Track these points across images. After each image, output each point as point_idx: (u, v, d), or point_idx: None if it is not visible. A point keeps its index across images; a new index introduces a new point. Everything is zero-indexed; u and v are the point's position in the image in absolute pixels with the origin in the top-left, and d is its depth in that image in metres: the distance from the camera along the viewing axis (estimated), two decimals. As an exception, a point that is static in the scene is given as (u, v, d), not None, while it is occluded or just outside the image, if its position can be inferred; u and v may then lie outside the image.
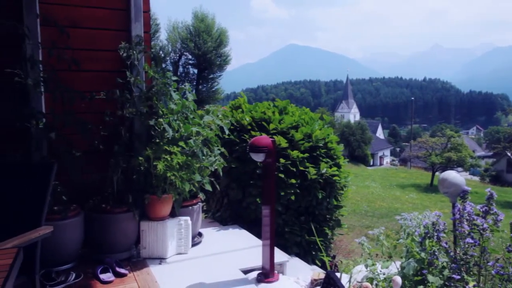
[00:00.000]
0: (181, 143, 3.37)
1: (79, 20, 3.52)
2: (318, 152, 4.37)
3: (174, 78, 3.62)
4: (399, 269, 2.83)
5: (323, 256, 4.05)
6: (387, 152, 57.07)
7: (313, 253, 4.35)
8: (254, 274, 3.15)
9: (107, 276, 3.03)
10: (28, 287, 2.27)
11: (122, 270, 3.11)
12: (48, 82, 3.22)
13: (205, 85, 20.69)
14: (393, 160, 55.53)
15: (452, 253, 2.61)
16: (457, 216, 2.69)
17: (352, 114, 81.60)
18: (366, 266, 2.93)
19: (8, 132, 3.18)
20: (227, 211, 4.54)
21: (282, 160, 4.13)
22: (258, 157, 2.98)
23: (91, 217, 3.31)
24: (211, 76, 20.90)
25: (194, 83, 20.29)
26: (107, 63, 3.62)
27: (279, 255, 3.52)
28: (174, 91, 3.54)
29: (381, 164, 51.29)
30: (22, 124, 3.09)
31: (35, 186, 2.33)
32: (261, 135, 4.01)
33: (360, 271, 3.10)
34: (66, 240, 3.11)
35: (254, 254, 3.41)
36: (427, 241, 2.72)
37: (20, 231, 2.12)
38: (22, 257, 1.71)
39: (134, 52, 3.53)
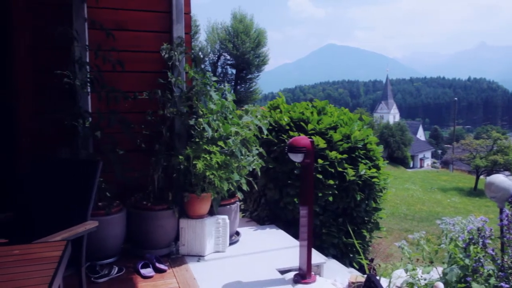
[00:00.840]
0: (220, 143, 3.41)
1: (123, 22, 3.64)
2: (357, 153, 4.31)
3: (214, 78, 3.68)
4: (441, 275, 2.75)
5: (361, 259, 4.00)
6: (428, 154, 55.40)
7: (351, 255, 4.29)
8: (291, 275, 3.14)
9: (148, 271, 3.12)
10: (75, 279, 2.37)
11: (162, 266, 3.19)
12: (94, 83, 3.36)
13: (243, 85, 20.88)
14: (434, 163, 53.78)
15: (499, 261, 2.51)
16: (505, 222, 2.58)
17: (391, 115, 79.75)
18: (406, 270, 2.87)
19: (58, 130, 3.33)
20: (264, 210, 4.56)
21: (320, 161, 4.10)
22: (297, 158, 2.97)
23: (133, 213, 3.42)
24: (249, 76, 21.06)
25: (232, 83, 20.51)
26: (150, 64, 3.73)
27: (316, 256, 3.50)
28: (214, 92, 3.59)
29: (421, 166, 49.84)
30: (70, 122, 3.24)
31: (82, 182, 2.42)
32: (299, 135, 3.99)
33: (399, 276, 3.03)
34: (109, 235, 3.22)
35: (291, 255, 3.40)
36: (471, 247, 2.62)
37: (68, 224, 2.22)
38: (71, 250, 1.78)
39: (176, 53, 3.61)
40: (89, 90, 3.40)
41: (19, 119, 3.44)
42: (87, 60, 3.44)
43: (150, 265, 3.20)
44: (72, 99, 3.36)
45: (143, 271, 3.12)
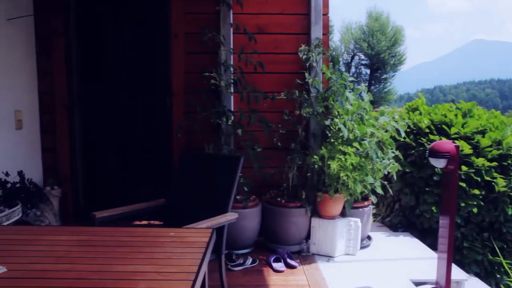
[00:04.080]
0: (355, 144, 3.37)
1: (265, 26, 3.83)
2: (509, 162, 3.84)
3: (351, 79, 3.65)
4: None
5: (510, 281, 3.57)
6: None
7: (498, 276, 3.85)
8: (426, 288, 2.96)
9: (279, 266, 3.23)
10: (215, 264, 2.58)
11: (293, 262, 3.27)
12: (237, 84, 3.60)
13: (377, 86, 20.17)
14: None
15: None
16: None
17: (553, 120, 68.82)
18: None
19: (204, 127, 3.66)
20: (398, 217, 4.36)
21: (464, 168, 3.76)
22: (438, 163, 2.78)
23: (267, 208, 3.57)
24: (384, 76, 20.24)
25: (366, 83, 19.96)
26: (288, 65, 3.85)
27: (456, 272, 3.23)
28: (350, 92, 3.56)
29: None
30: (215, 120, 3.53)
31: (225, 176, 2.62)
32: (441, 139, 3.72)
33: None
34: (245, 227, 3.43)
35: (426, 266, 3.20)
36: None
37: (211, 214, 2.42)
38: (215, 237, 1.95)
39: (313, 54, 3.67)
40: (232, 90, 3.66)
41: (174, 117, 3.87)
42: (231, 63, 3.70)
43: (282, 260, 3.31)
44: (217, 99, 3.65)
45: (274, 265, 3.24)
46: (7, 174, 3.17)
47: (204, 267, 1.55)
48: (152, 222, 4.00)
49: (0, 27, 3.36)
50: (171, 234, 1.84)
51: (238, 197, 3.47)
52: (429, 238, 3.92)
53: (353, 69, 20.92)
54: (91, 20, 4.26)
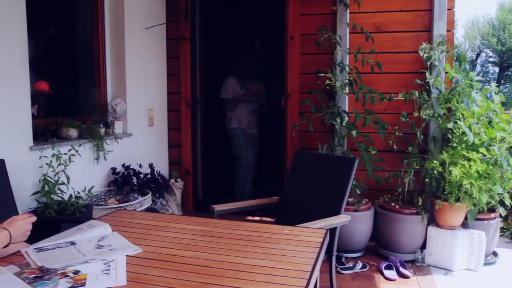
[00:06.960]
0: (482, 150, 3.09)
1: (383, 25, 3.70)
2: None
3: (477, 78, 3.36)
4: None
5: None
6: None
7: None
8: None
9: (391, 274, 3.11)
10: (325, 265, 2.58)
11: (406, 272, 3.13)
12: (352, 84, 3.54)
13: (507, 86, 18.14)
14: None
15: None
16: None
17: None
18: None
19: (318, 128, 3.67)
20: (531, 233, 3.89)
21: None
22: None
23: (380, 213, 3.46)
24: (516, 75, 18.13)
25: (495, 83, 18.15)
26: (406, 65, 3.68)
27: None
28: (477, 93, 3.28)
29: None
30: (329, 121, 3.52)
31: (338, 177, 2.59)
32: None
33: None
34: (357, 230, 3.37)
35: None
36: None
37: (324, 215, 2.42)
38: (328, 238, 1.95)
39: (435, 52, 3.45)
40: (347, 91, 3.62)
41: (288, 117, 3.95)
42: (347, 63, 3.66)
43: (394, 268, 3.18)
44: (331, 99, 3.64)
45: (386, 272, 3.13)
46: (140, 166, 3.56)
47: (318, 267, 1.57)
48: (263, 218, 4.14)
49: (140, 35, 3.80)
50: (286, 231, 1.89)
51: (349, 199, 3.42)
52: None
53: (478, 68, 19.12)
54: (213, 26, 4.56)
